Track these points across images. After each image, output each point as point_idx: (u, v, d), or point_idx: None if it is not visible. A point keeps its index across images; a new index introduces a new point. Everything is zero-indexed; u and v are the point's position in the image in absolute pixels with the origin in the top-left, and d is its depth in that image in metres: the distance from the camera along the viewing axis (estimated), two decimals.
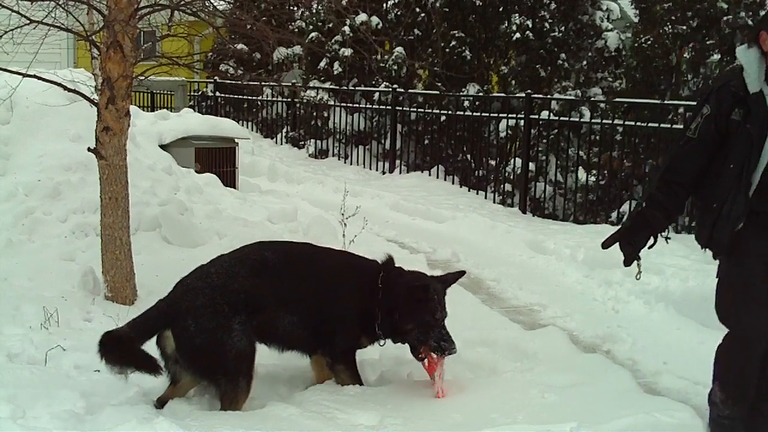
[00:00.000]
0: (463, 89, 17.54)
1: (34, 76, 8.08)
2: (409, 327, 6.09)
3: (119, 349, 5.58)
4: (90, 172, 9.10)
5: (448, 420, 5.46)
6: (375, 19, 19.34)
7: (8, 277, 7.89)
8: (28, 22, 7.77)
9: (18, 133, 9.89)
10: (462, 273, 6.58)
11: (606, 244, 5.54)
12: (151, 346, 5.77)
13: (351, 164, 19.65)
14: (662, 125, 12.57)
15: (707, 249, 5.42)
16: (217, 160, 14.21)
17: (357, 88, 20.16)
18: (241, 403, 5.64)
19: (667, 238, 5.62)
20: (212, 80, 24.90)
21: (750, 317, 5.14)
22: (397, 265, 6.41)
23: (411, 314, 6.07)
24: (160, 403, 5.70)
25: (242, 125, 21.10)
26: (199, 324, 5.66)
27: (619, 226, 5.68)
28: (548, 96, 15.63)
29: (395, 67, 19.30)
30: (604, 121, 13.70)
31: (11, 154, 9.67)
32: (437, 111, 17.50)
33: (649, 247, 5.51)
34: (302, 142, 21.59)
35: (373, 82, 19.90)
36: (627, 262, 5.50)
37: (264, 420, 5.31)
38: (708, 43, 13.79)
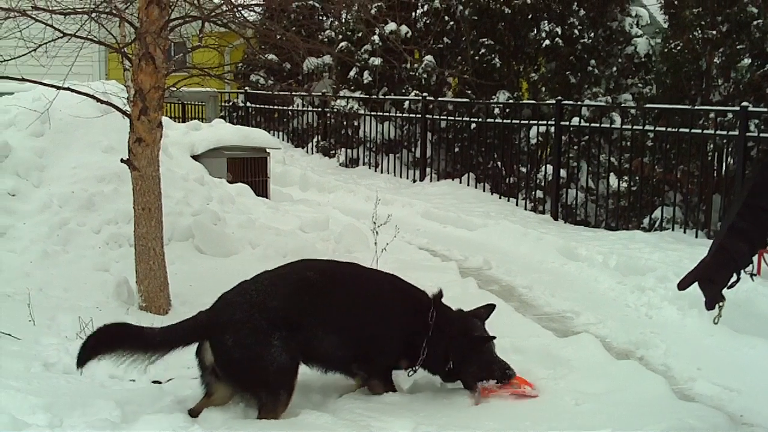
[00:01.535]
0: (493, 97, 17.55)
1: (68, 89, 8.16)
2: (472, 370, 6.13)
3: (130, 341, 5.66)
4: (123, 183, 9.18)
5: (482, 427, 5.46)
6: (404, 28, 19.40)
7: (44, 288, 7.97)
8: (62, 35, 7.86)
9: (52, 145, 9.98)
10: (492, 307, 6.58)
11: (683, 285, 4.66)
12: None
13: (381, 173, 19.70)
14: (693, 130, 12.54)
15: None
16: (248, 170, 14.28)
17: (387, 96, 20.20)
18: (279, 415, 5.63)
19: (752, 275, 4.75)
20: (243, 91, 25.02)
21: None
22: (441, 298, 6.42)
23: (474, 361, 6.13)
24: (194, 415, 5.72)
25: (273, 135, 21.20)
26: (237, 339, 5.66)
27: (698, 263, 4.68)
28: (578, 102, 15.61)
29: (425, 76, 19.36)
30: (634, 126, 13.66)
31: (46, 166, 9.75)
32: (467, 119, 17.50)
33: (730, 286, 4.62)
34: (333, 152, 21.66)
35: (403, 91, 19.96)
36: (710, 305, 4.61)
37: (298, 428, 5.33)
38: (738, 47, 13.71)
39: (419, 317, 6.19)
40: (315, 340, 5.91)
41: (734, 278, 4.61)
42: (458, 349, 6.12)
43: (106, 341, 5.62)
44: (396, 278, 6.60)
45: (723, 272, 4.56)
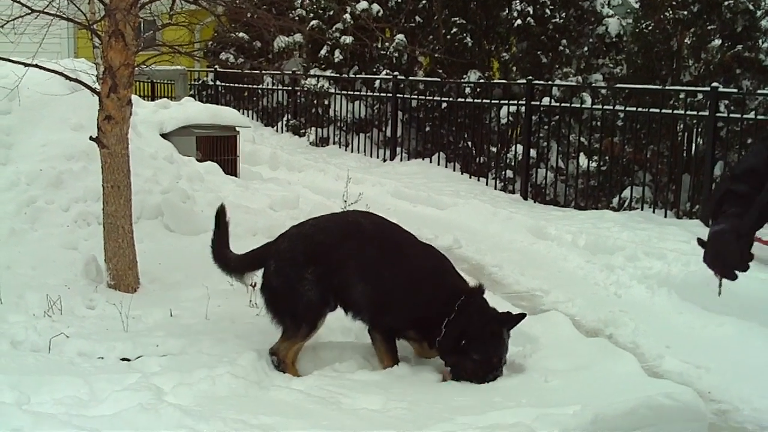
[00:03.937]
0: (465, 76, 17.54)
1: (37, 66, 8.07)
2: (475, 357, 6.09)
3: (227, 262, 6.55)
4: (92, 161, 9.11)
5: (452, 403, 5.48)
6: (376, 7, 19.33)
7: (12, 266, 7.92)
8: (30, 11, 7.77)
9: (20, 122, 9.89)
10: (522, 316, 6.47)
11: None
12: None
13: (352, 152, 19.65)
14: (663, 111, 12.59)
15: None
16: (218, 148, 14.21)
17: (358, 75, 20.12)
18: (296, 344, 6.09)
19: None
20: (213, 69, 24.88)
21: None
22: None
23: (474, 352, 6.09)
24: None
25: (243, 114, 21.05)
26: (277, 266, 6.19)
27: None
28: (549, 82, 15.62)
29: (396, 55, 19.31)
30: (605, 107, 13.70)
31: (13, 144, 9.67)
32: (438, 98, 17.49)
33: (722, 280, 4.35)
34: (303, 130, 21.58)
35: (374, 70, 19.90)
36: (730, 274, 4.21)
37: (268, 404, 5.33)
38: (709, 28, 13.76)
39: (447, 300, 6.22)
40: (351, 287, 6.21)
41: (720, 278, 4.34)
42: (472, 338, 6.10)
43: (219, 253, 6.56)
44: (444, 261, 6.69)
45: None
